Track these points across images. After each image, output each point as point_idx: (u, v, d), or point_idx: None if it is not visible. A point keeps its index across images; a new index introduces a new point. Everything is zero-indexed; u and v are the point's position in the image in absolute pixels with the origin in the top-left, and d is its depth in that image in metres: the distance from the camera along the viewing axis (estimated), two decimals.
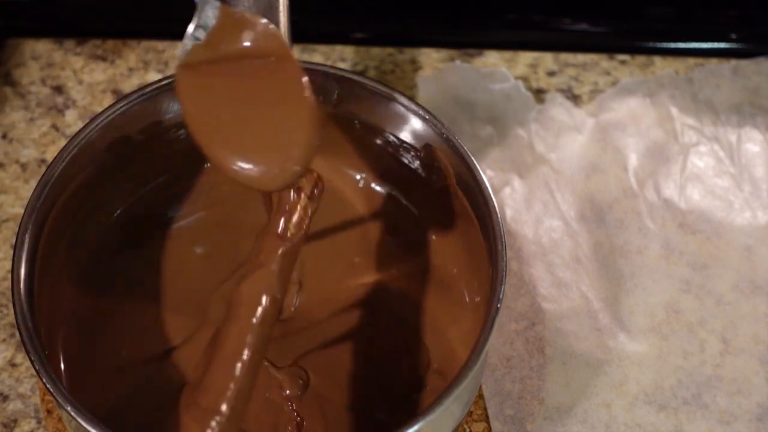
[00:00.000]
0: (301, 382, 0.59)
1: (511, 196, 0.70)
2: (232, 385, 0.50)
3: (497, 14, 0.81)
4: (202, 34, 0.54)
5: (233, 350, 0.51)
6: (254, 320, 0.52)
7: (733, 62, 0.77)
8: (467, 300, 0.61)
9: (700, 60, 0.78)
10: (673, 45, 0.79)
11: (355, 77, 0.61)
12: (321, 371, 0.59)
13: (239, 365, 0.51)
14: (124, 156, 0.61)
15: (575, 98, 0.76)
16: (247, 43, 0.54)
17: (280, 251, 0.53)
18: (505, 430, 0.61)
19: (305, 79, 0.52)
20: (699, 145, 0.73)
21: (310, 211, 0.55)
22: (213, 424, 0.50)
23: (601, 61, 0.78)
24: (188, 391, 0.53)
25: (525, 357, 0.64)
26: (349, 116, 0.62)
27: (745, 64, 0.77)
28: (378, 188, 0.65)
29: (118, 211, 0.63)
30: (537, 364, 0.64)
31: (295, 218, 0.54)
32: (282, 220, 0.54)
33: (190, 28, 0.54)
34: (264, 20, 0.54)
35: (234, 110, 0.54)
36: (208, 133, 0.53)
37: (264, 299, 0.52)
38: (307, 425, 0.58)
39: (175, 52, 0.77)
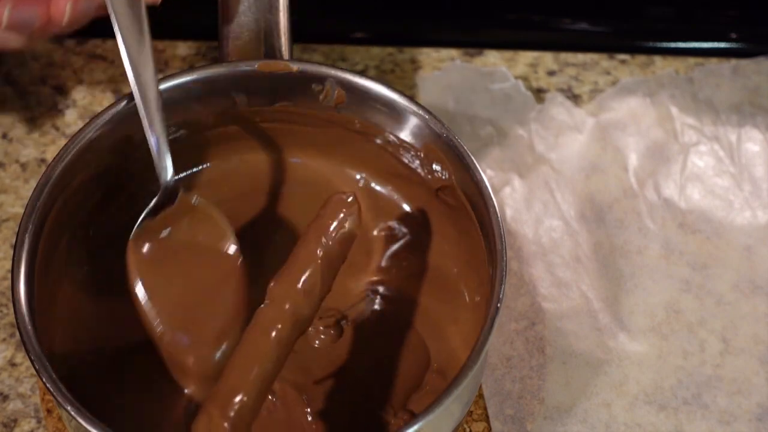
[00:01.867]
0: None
1: (511, 196, 0.70)
2: (247, 392, 0.52)
3: (497, 14, 0.81)
4: (155, 213, 0.58)
5: (253, 359, 0.53)
6: (276, 333, 0.54)
7: (733, 62, 0.77)
8: (467, 300, 0.61)
9: (700, 60, 0.78)
10: (673, 45, 0.79)
11: (355, 77, 0.61)
12: (321, 371, 0.60)
13: (257, 371, 0.53)
14: (124, 156, 0.61)
15: (575, 98, 0.76)
16: (196, 229, 0.58)
17: (317, 266, 0.56)
18: (505, 430, 0.61)
19: (242, 287, 0.57)
20: (699, 145, 0.73)
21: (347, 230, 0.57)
22: (231, 413, 0.51)
23: (601, 60, 0.78)
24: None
25: (525, 357, 0.64)
26: (349, 116, 0.62)
27: (745, 64, 0.77)
28: (378, 188, 0.65)
29: (118, 211, 0.63)
30: (537, 363, 0.64)
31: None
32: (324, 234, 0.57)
33: (151, 203, 0.58)
34: (214, 209, 0.59)
35: (174, 293, 0.57)
36: (151, 308, 0.57)
37: (291, 315, 0.54)
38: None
39: (176, 52, 0.77)
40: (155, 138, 0.57)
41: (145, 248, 0.58)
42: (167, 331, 0.56)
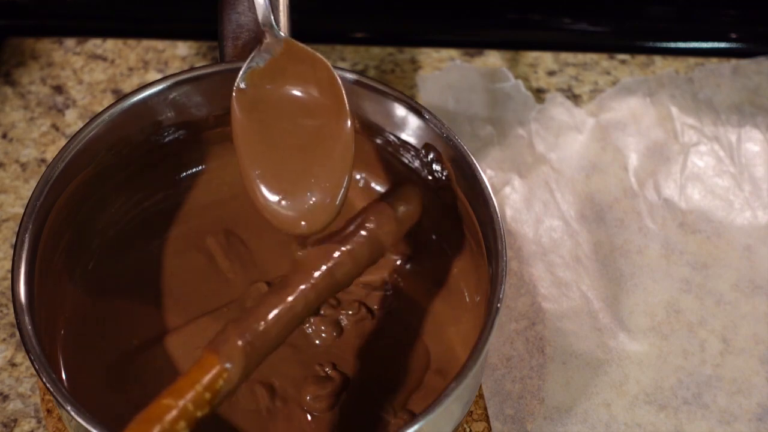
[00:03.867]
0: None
1: (511, 196, 0.70)
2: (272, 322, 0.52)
3: (497, 14, 0.81)
4: (262, 61, 0.56)
5: (286, 299, 0.53)
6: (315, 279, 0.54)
7: (734, 62, 0.77)
8: (467, 300, 0.61)
9: (700, 60, 0.78)
10: (673, 44, 0.79)
11: (355, 77, 0.61)
12: (321, 370, 0.60)
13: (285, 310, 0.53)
14: (124, 156, 0.61)
15: (575, 98, 0.76)
16: (306, 80, 0.56)
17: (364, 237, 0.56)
18: (505, 430, 0.61)
19: (351, 143, 0.55)
20: (699, 145, 0.73)
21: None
22: (247, 336, 0.51)
23: (601, 60, 0.78)
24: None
25: (525, 357, 0.64)
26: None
27: (746, 64, 0.77)
28: (378, 188, 0.65)
29: (118, 211, 0.63)
30: (537, 363, 0.64)
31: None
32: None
33: (254, 52, 0.56)
34: (326, 62, 0.56)
35: (280, 149, 0.56)
36: (253, 164, 0.56)
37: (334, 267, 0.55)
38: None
39: (176, 52, 0.77)
40: None
41: (251, 97, 0.56)
42: (266, 194, 0.55)
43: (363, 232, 0.56)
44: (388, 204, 0.58)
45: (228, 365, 0.51)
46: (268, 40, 0.56)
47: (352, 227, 0.57)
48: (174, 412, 0.48)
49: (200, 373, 0.50)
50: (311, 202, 0.55)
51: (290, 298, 0.53)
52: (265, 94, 0.56)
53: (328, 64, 0.56)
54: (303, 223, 0.55)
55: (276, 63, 0.56)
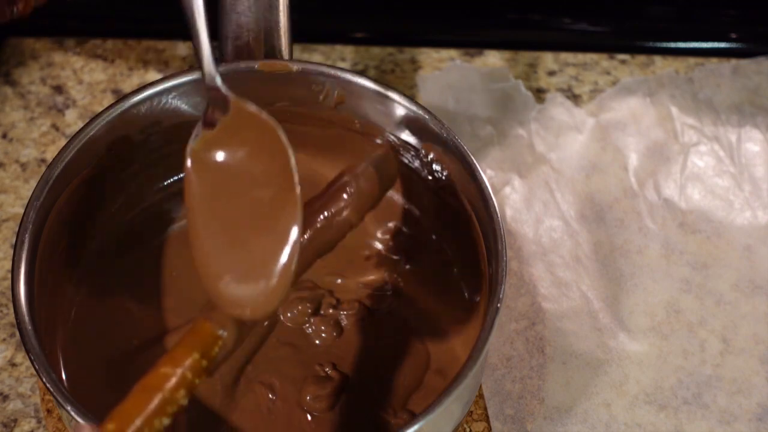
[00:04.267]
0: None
1: (511, 196, 0.70)
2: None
3: (497, 14, 0.81)
4: (214, 124, 0.53)
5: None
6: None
7: (734, 62, 0.77)
8: (467, 300, 0.61)
9: (700, 60, 0.78)
10: (673, 45, 0.79)
11: (355, 77, 0.61)
12: (321, 370, 0.60)
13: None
14: (124, 156, 0.61)
15: (575, 98, 0.76)
16: (255, 146, 0.53)
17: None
18: (505, 430, 0.61)
19: (298, 198, 0.52)
20: (699, 145, 0.73)
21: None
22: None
23: (601, 60, 0.78)
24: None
25: (525, 357, 0.64)
26: (349, 116, 0.62)
27: (746, 64, 0.77)
28: None
29: (118, 211, 0.63)
30: (537, 363, 0.64)
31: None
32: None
33: (203, 115, 0.54)
34: (273, 126, 0.53)
35: (230, 223, 0.53)
36: (202, 236, 0.53)
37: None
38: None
39: (176, 52, 0.77)
40: (197, 31, 0.51)
41: (201, 162, 0.53)
42: (213, 253, 0.52)
43: (344, 195, 0.57)
44: (366, 165, 0.59)
45: (221, 332, 0.50)
46: (215, 98, 0.53)
47: (332, 190, 0.58)
48: (173, 380, 0.48)
49: (195, 341, 0.50)
50: (257, 288, 0.52)
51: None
52: (216, 161, 0.53)
53: (275, 127, 0.52)
54: (247, 310, 0.52)
55: (226, 126, 0.53)
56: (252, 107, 0.53)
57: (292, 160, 0.52)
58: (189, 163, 0.53)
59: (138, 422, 0.46)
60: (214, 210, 0.53)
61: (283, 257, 0.52)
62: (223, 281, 0.52)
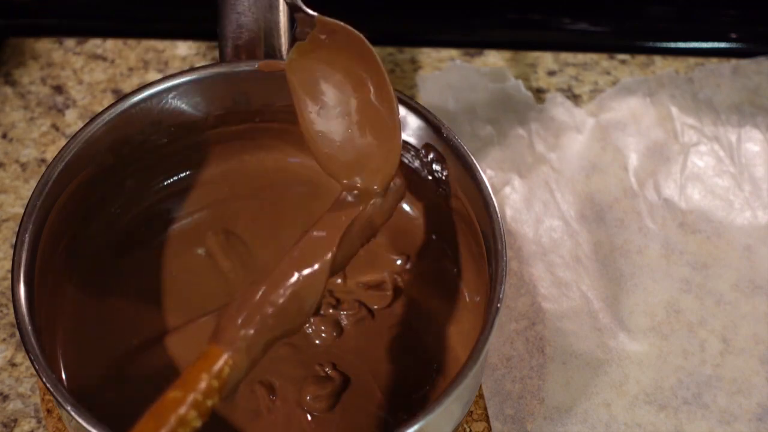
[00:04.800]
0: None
1: (511, 196, 0.70)
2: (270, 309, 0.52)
3: (497, 14, 0.81)
4: (303, 36, 0.57)
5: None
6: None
7: (734, 62, 0.77)
8: (467, 300, 0.61)
9: (700, 60, 0.78)
10: (673, 44, 0.79)
11: None
12: (321, 370, 0.60)
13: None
14: (124, 156, 0.61)
15: (575, 98, 0.76)
16: (344, 51, 0.57)
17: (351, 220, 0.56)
18: (505, 430, 0.61)
19: (398, 110, 0.57)
20: (699, 145, 0.73)
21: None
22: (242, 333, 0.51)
23: (601, 60, 0.78)
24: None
25: (525, 357, 0.64)
26: None
27: (746, 64, 0.77)
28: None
29: (118, 211, 0.63)
30: (537, 363, 0.63)
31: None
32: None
33: (295, 29, 0.57)
34: (358, 35, 0.57)
35: (336, 118, 0.58)
36: (316, 131, 0.58)
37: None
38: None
39: (176, 52, 0.77)
40: None
41: (301, 67, 0.57)
42: (335, 159, 0.58)
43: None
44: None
45: (231, 353, 0.50)
46: (302, 20, 0.56)
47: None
48: (184, 404, 0.48)
49: (206, 365, 0.50)
50: (372, 170, 0.57)
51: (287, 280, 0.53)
52: (313, 66, 0.57)
53: (359, 35, 0.57)
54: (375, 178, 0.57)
55: (315, 37, 0.57)
56: (334, 21, 0.56)
57: (379, 62, 0.56)
58: (288, 67, 0.57)
59: None
60: (322, 103, 0.57)
61: (391, 139, 0.57)
62: (342, 160, 0.57)
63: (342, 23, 0.56)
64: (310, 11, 0.56)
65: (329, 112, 0.58)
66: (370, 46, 0.56)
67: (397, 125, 0.56)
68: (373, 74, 0.57)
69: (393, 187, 0.58)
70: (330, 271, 0.54)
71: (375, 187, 0.57)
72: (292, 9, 0.56)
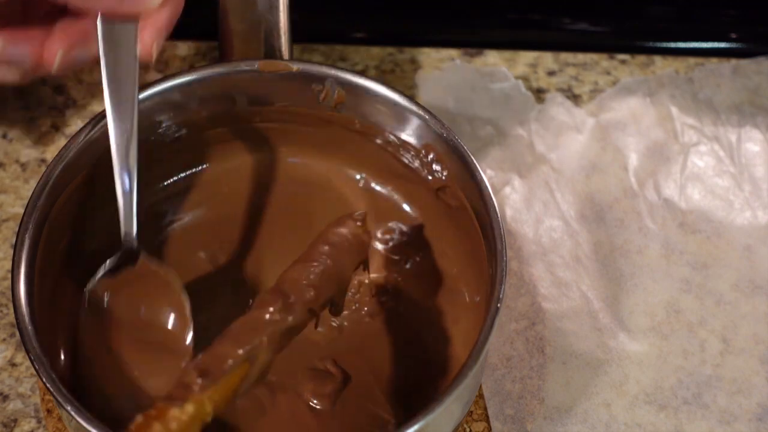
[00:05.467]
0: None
1: (511, 196, 0.70)
2: (230, 362, 0.51)
3: (497, 14, 0.81)
4: (115, 270, 0.58)
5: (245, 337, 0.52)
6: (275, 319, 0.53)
7: (734, 62, 0.77)
8: (467, 300, 0.61)
9: (700, 60, 0.78)
10: (673, 44, 0.79)
11: (355, 77, 0.61)
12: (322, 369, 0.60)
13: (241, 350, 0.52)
14: None
15: (575, 98, 0.76)
16: (150, 296, 0.57)
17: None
18: (505, 430, 0.61)
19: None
20: (699, 145, 0.73)
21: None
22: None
23: (601, 60, 0.78)
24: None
25: (525, 357, 0.64)
26: (349, 116, 0.62)
27: (746, 64, 0.77)
28: (378, 188, 0.65)
29: (118, 212, 0.63)
30: (537, 363, 0.63)
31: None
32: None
33: (111, 259, 0.58)
34: (174, 278, 0.57)
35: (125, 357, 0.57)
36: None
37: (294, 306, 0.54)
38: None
39: (176, 52, 0.77)
40: (125, 193, 0.56)
41: (99, 304, 0.58)
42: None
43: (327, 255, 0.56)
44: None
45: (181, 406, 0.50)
46: (126, 253, 0.57)
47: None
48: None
49: (158, 417, 0.50)
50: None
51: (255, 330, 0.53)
52: (110, 304, 0.58)
53: (173, 281, 0.57)
54: None
55: (127, 275, 0.58)
56: (157, 266, 0.57)
57: (187, 308, 0.57)
58: (86, 301, 0.58)
59: None
60: (108, 343, 0.57)
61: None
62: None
63: (162, 269, 0.58)
64: (139, 248, 0.57)
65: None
66: (180, 288, 0.57)
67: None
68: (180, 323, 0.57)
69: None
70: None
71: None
72: (126, 242, 0.57)
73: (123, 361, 0.57)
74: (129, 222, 0.56)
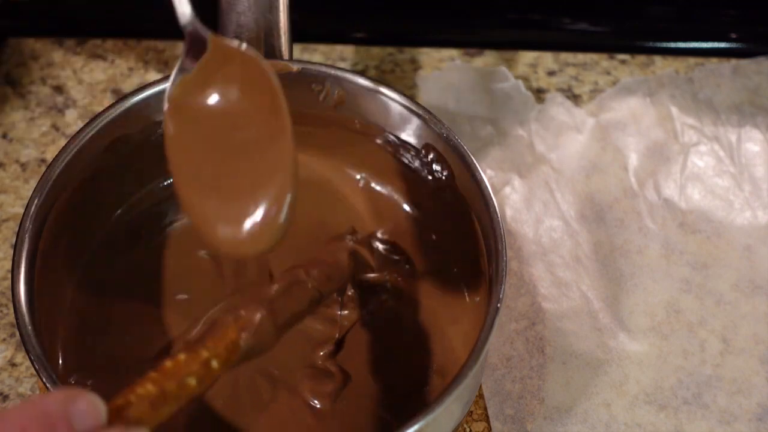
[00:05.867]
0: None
1: (511, 196, 0.70)
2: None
3: (497, 14, 0.81)
4: (190, 67, 0.52)
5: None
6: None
7: (734, 62, 0.77)
8: (467, 300, 0.61)
9: (700, 60, 0.78)
10: (673, 44, 0.79)
11: (355, 77, 0.61)
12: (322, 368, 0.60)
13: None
14: (124, 156, 0.61)
15: (575, 98, 0.76)
16: (238, 82, 0.51)
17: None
18: (505, 430, 0.61)
19: (289, 130, 0.50)
20: (699, 145, 0.73)
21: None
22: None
23: (601, 60, 0.78)
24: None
25: (525, 357, 0.64)
26: (349, 116, 0.62)
27: (746, 64, 0.77)
28: (378, 188, 0.65)
29: (118, 211, 0.63)
30: (537, 363, 0.63)
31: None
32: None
33: (180, 59, 0.52)
34: (257, 56, 0.50)
35: (219, 167, 0.51)
36: (192, 190, 0.51)
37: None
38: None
39: (176, 52, 0.77)
40: None
41: (183, 107, 0.51)
42: (199, 199, 0.50)
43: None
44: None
45: (244, 338, 0.50)
46: (193, 39, 0.51)
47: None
48: (184, 371, 0.47)
49: (216, 345, 0.49)
50: (255, 222, 0.50)
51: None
52: (199, 103, 0.52)
53: (258, 59, 0.50)
54: (247, 245, 0.50)
55: (205, 66, 0.52)
56: (232, 42, 0.51)
57: (280, 93, 0.49)
58: (168, 112, 0.51)
59: (143, 406, 0.46)
60: (200, 157, 0.51)
61: (278, 190, 0.49)
62: (219, 226, 0.50)
63: (241, 47, 0.50)
64: (204, 30, 0.50)
65: (212, 157, 0.51)
66: (273, 78, 0.50)
67: (290, 170, 0.49)
68: (271, 105, 0.50)
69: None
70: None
71: (259, 250, 0.50)
72: (184, 25, 0.50)
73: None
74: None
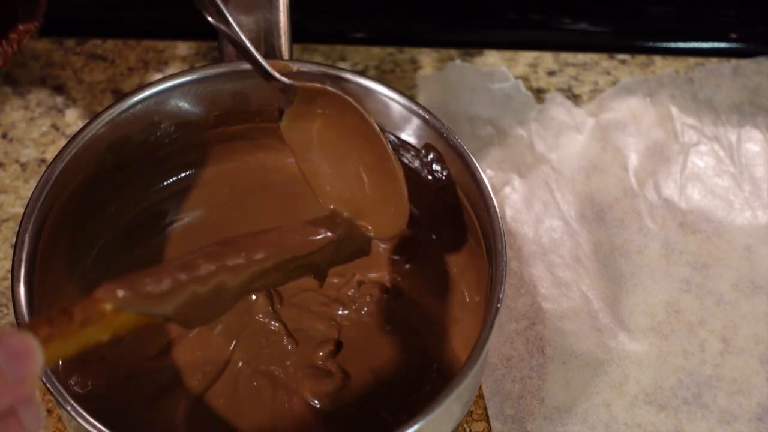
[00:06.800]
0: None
1: (511, 196, 0.70)
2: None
3: (497, 14, 0.81)
4: (288, 103, 0.58)
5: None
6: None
7: (734, 62, 0.77)
8: (467, 300, 0.61)
9: (700, 60, 0.78)
10: (673, 44, 0.79)
11: (355, 77, 0.61)
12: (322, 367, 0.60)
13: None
14: (124, 156, 0.61)
15: (575, 98, 0.76)
16: (332, 114, 0.58)
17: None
18: (505, 430, 0.61)
19: (390, 149, 0.57)
20: (699, 145, 0.73)
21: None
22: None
23: (601, 60, 0.78)
24: None
25: (525, 357, 0.64)
26: None
27: (746, 64, 0.77)
28: None
29: (118, 211, 0.63)
30: (537, 363, 0.63)
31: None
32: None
33: (281, 97, 0.58)
34: (336, 92, 0.57)
35: (340, 172, 0.59)
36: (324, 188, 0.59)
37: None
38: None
39: (176, 52, 0.77)
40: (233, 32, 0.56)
41: (295, 131, 0.59)
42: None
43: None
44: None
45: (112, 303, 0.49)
46: (286, 91, 0.58)
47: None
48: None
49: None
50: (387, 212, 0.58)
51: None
52: (306, 126, 0.59)
53: (340, 93, 0.57)
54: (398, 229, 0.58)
55: (301, 101, 0.58)
56: (312, 85, 0.58)
57: (367, 115, 0.57)
58: (282, 132, 0.59)
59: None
60: (322, 162, 0.59)
61: (397, 186, 0.57)
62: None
63: (318, 85, 0.58)
64: (286, 79, 0.57)
65: (329, 163, 0.59)
66: (352, 101, 0.57)
67: (397, 171, 0.57)
68: (363, 125, 0.57)
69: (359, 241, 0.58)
70: (254, 277, 0.54)
71: (385, 233, 0.58)
72: (266, 78, 0.57)
73: None
74: (256, 63, 0.57)
